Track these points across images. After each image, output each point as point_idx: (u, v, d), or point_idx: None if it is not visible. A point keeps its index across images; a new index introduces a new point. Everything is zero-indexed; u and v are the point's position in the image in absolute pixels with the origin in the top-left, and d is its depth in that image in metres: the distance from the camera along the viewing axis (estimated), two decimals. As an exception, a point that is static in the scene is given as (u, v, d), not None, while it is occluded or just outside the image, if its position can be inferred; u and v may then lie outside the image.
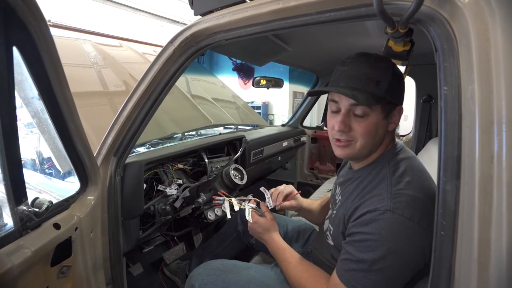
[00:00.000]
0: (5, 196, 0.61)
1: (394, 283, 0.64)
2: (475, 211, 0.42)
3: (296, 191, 1.04)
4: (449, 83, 0.47)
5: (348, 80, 0.70)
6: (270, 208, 0.96)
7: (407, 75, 1.56)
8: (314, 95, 2.34)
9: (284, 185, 1.03)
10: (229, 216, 0.92)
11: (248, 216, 0.90)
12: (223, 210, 1.40)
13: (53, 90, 0.65)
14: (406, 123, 2.61)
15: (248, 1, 0.73)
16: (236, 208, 0.92)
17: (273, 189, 1.02)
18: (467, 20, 0.44)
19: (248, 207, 0.92)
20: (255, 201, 0.97)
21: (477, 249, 0.42)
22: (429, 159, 1.27)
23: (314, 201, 1.12)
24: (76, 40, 2.64)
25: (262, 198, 0.99)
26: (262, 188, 0.99)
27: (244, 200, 0.96)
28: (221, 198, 0.96)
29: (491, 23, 0.42)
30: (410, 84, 1.94)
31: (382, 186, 0.69)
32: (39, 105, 0.67)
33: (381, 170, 0.73)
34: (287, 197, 1.02)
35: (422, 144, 1.93)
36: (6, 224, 0.64)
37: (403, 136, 2.32)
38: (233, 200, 0.94)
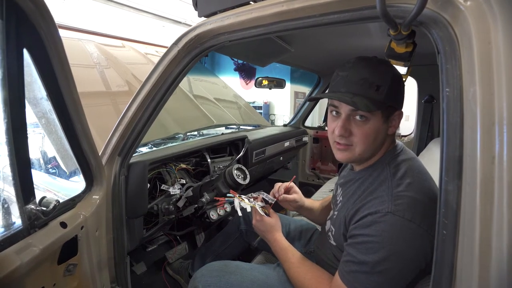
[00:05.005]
0: (14, 195, 0.62)
1: (396, 284, 0.65)
2: (476, 211, 0.43)
3: (296, 187, 1.06)
4: (451, 85, 0.48)
5: (348, 85, 0.70)
6: (272, 202, 0.98)
7: (409, 75, 1.57)
8: (314, 100, 2.37)
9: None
10: (240, 214, 0.93)
11: (247, 210, 0.91)
12: (226, 210, 1.42)
13: (61, 91, 0.66)
14: (408, 123, 2.61)
15: (252, 3, 0.74)
16: (248, 208, 0.91)
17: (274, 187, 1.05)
18: (469, 23, 0.45)
19: (258, 206, 0.93)
20: (261, 198, 0.98)
21: (478, 248, 0.42)
22: (431, 160, 1.27)
23: (316, 201, 1.13)
24: (79, 41, 2.66)
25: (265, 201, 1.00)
26: (264, 195, 1.00)
27: (250, 198, 0.97)
28: (231, 195, 0.97)
29: (492, 26, 0.43)
30: (412, 85, 1.94)
31: (382, 188, 0.69)
32: (47, 105, 0.69)
33: (382, 172, 0.73)
34: (289, 191, 1.04)
35: (423, 145, 1.94)
36: (15, 223, 0.66)
37: (405, 136, 2.32)
38: (245, 199, 0.94)
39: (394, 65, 0.76)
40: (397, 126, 0.75)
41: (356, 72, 0.70)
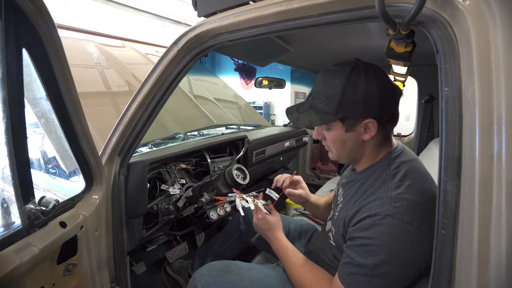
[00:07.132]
0: (13, 195, 0.62)
1: (396, 287, 0.65)
2: (475, 210, 0.43)
3: (304, 183, 1.07)
4: (450, 84, 0.47)
5: (312, 97, 0.76)
6: (275, 199, 0.98)
7: (409, 75, 1.57)
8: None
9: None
10: (242, 213, 0.93)
11: (245, 207, 0.91)
12: (225, 210, 1.42)
13: (60, 91, 0.67)
14: (408, 123, 2.61)
15: (252, 3, 0.74)
16: (252, 206, 0.91)
17: (278, 176, 1.07)
18: (468, 22, 0.45)
19: (261, 204, 0.93)
20: (262, 196, 0.99)
21: (477, 248, 0.42)
22: (431, 160, 1.27)
23: (321, 198, 1.14)
24: (80, 41, 2.66)
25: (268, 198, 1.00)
26: (267, 191, 1.00)
27: (251, 196, 0.97)
28: (233, 194, 0.97)
29: (491, 25, 0.43)
30: (412, 85, 1.94)
31: (382, 189, 0.69)
32: (47, 105, 0.69)
33: (382, 173, 0.73)
34: (296, 185, 1.06)
35: (424, 144, 1.93)
36: (14, 223, 0.66)
37: (405, 136, 2.31)
38: (248, 198, 0.94)
39: (392, 64, 0.76)
40: (373, 134, 0.71)
41: (316, 84, 0.75)
